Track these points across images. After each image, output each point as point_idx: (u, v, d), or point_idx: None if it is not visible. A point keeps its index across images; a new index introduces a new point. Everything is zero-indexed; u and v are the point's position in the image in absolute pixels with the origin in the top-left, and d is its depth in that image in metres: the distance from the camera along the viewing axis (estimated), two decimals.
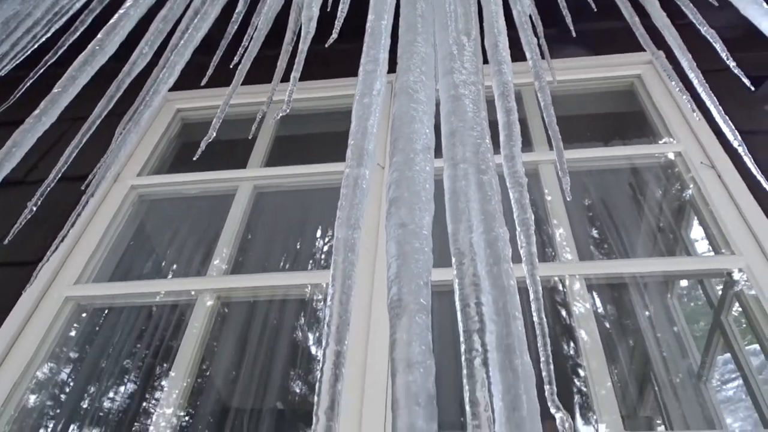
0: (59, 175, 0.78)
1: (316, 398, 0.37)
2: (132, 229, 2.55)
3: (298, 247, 3.51)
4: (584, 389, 1.78)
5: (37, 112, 0.76)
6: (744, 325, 2.18)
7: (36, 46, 1.07)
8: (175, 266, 3.18)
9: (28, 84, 0.97)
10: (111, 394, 2.72)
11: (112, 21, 0.89)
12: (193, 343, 1.92)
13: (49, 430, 2.35)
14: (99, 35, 0.88)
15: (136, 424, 2.77)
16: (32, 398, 1.99)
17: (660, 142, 2.47)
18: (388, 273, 0.43)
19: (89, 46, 0.85)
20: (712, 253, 2.10)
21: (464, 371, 0.38)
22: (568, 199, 0.72)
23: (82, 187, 0.80)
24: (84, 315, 2.25)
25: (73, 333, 2.18)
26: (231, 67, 1.06)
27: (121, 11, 0.90)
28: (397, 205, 0.47)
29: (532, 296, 0.49)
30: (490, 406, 0.37)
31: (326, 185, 2.55)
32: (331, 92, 2.84)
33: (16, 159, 0.74)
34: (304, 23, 0.94)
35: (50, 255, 0.72)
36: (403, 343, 0.38)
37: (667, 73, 0.91)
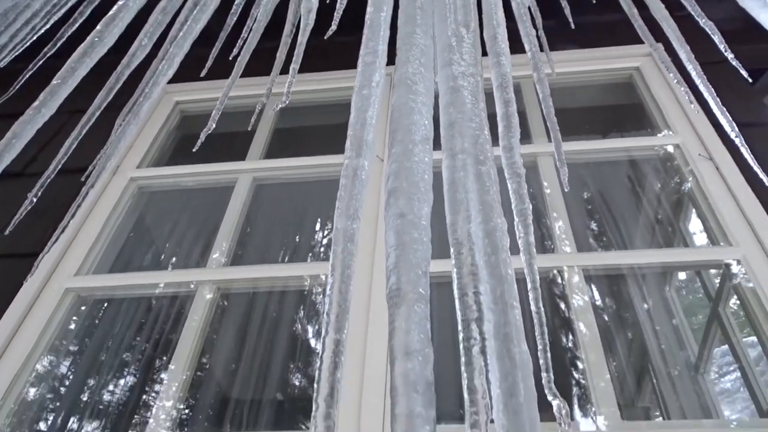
0: (59, 167, 0.78)
1: (315, 386, 0.37)
2: (131, 221, 2.55)
3: (297, 238, 3.52)
4: (583, 381, 1.79)
5: (36, 103, 0.76)
6: (741, 316, 2.19)
7: (35, 38, 1.07)
8: (174, 258, 3.18)
9: (27, 76, 0.97)
10: (111, 386, 2.73)
11: (111, 12, 0.90)
12: (194, 334, 1.92)
13: (50, 421, 2.36)
14: (98, 27, 0.88)
15: (136, 415, 2.78)
16: (32, 390, 2.00)
17: (658, 134, 2.48)
18: (387, 263, 0.43)
19: (88, 37, 0.85)
20: (710, 245, 2.11)
21: (462, 359, 0.39)
22: (566, 190, 0.73)
23: (82, 179, 0.81)
24: (84, 306, 2.25)
25: (73, 324, 2.18)
26: (230, 59, 1.06)
27: (120, 3, 0.90)
28: (396, 196, 0.47)
29: (529, 286, 0.50)
30: (488, 393, 0.37)
31: (326, 177, 2.55)
32: (331, 84, 2.84)
33: (16, 150, 0.74)
34: (303, 15, 0.94)
35: (51, 245, 0.72)
36: (401, 331, 0.38)
37: (665, 65, 0.91)
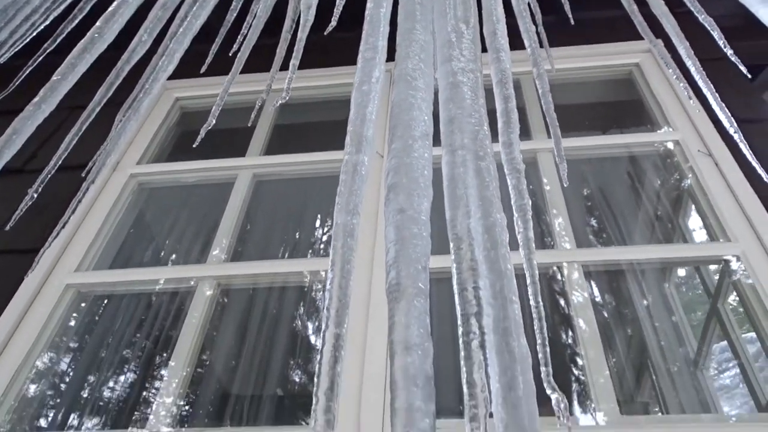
0: (59, 162, 0.78)
1: (315, 379, 0.37)
2: (132, 217, 2.55)
3: (297, 234, 3.52)
4: (582, 378, 1.79)
5: (36, 99, 0.77)
6: (738, 309, 2.19)
7: (34, 34, 1.06)
8: (174, 254, 3.18)
9: (27, 72, 0.97)
10: (112, 382, 2.74)
11: (110, 8, 0.90)
12: (194, 329, 1.93)
13: (50, 417, 2.36)
14: (98, 23, 0.88)
15: (136, 412, 2.79)
16: (33, 386, 2.00)
17: (658, 130, 2.48)
18: (386, 258, 0.43)
19: (88, 33, 0.85)
20: (709, 241, 2.11)
21: (462, 353, 0.39)
22: (565, 185, 0.73)
23: (83, 174, 0.81)
24: (84, 302, 2.26)
25: (73, 320, 2.19)
26: (230, 55, 1.06)
27: None
28: (396, 191, 0.47)
29: (529, 281, 0.50)
30: (487, 387, 0.37)
31: (326, 173, 2.56)
32: (330, 81, 2.84)
33: (17, 146, 0.74)
34: (303, 11, 0.94)
35: (52, 240, 0.72)
36: (401, 326, 0.38)
37: (664, 61, 0.91)
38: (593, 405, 1.61)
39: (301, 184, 2.89)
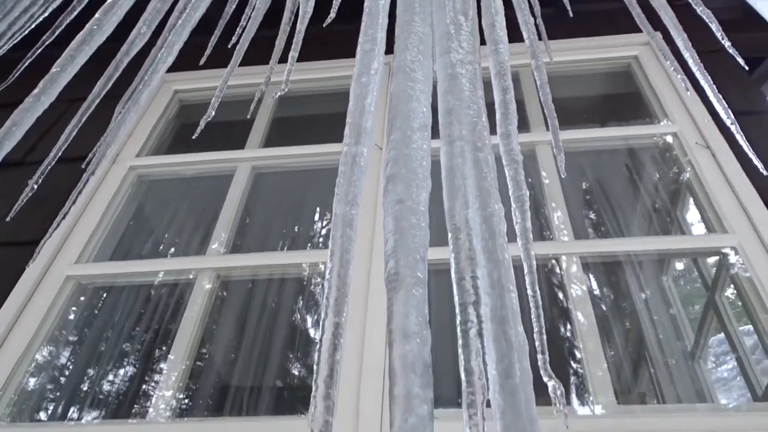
0: (59, 154, 0.79)
1: (315, 367, 0.38)
2: (131, 209, 2.56)
3: (296, 226, 3.53)
4: (580, 370, 1.81)
5: (36, 91, 0.77)
6: (738, 306, 2.20)
7: (33, 26, 1.06)
8: (174, 247, 3.19)
9: (26, 64, 0.97)
10: (111, 375, 2.75)
11: (109, 0, 0.90)
12: (194, 319, 1.94)
13: (50, 410, 2.37)
14: (97, 14, 0.88)
15: (136, 405, 2.80)
16: (33, 377, 2.01)
17: (656, 123, 2.48)
18: (385, 248, 0.44)
19: (87, 25, 0.85)
20: (706, 232, 2.12)
21: (460, 341, 0.39)
22: (563, 176, 0.73)
23: (83, 165, 0.81)
24: (85, 294, 2.26)
25: (74, 312, 2.19)
26: (229, 47, 1.06)
27: None
28: (395, 182, 0.48)
29: (526, 270, 0.50)
30: (485, 374, 0.38)
31: (325, 166, 2.56)
32: (329, 73, 2.84)
33: (17, 138, 0.74)
34: (302, 3, 0.94)
35: (53, 231, 0.73)
36: (400, 314, 0.39)
37: (663, 53, 0.92)
38: (591, 398, 1.62)
39: (300, 176, 2.89)
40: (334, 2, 0.99)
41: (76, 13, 1.04)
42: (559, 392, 0.44)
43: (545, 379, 0.45)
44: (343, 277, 0.42)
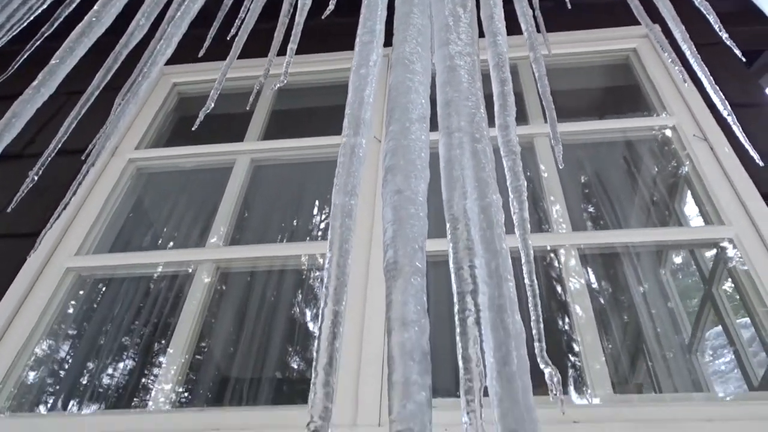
0: (59, 146, 0.79)
1: (315, 355, 0.38)
2: (131, 201, 2.56)
3: (295, 219, 3.53)
4: (578, 363, 1.81)
5: (35, 83, 0.77)
6: (732, 294, 2.21)
7: (32, 18, 1.06)
8: (173, 239, 3.19)
9: (25, 57, 0.97)
10: (113, 364, 2.76)
11: None
12: (194, 312, 1.94)
13: (50, 403, 2.38)
14: (95, 7, 0.88)
15: (135, 397, 2.81)
16: (33, 369, 2.02)
17: (654, 115, 2.48)
18: (384, 237, 0.44)
19: (86, 17, 0.85)
20: (703, 224, 2.13)
21: (458, 330, 0.40)
22: (560, 167, 0.74)
23: (83, 157, 0.81)
24: (84, 286, 2.27)
25: (74, 304, 2.20)
26: (228, 39, 1.06)
27: None
28: (393, 173, 0.48)
29: (523, 259, 0.51)
30: (482, 362, 0.38)
31: (324, 158, 2.56)
32: (328, 66, 2.84)
33: (16, 129, 0.74)
34: None
35: (53, 222, 0.73)
36: (398, 303, 0.39)
37: (661, 45, 0.92)
38: (589, 390, 1.63)
39: (299, 168, 2.89)
40: None
41: (74, 5, 1.04)
42: (555, 379, 0.45)
43: (542, 366, 0.46)
44: (343, 267, 0.43)
